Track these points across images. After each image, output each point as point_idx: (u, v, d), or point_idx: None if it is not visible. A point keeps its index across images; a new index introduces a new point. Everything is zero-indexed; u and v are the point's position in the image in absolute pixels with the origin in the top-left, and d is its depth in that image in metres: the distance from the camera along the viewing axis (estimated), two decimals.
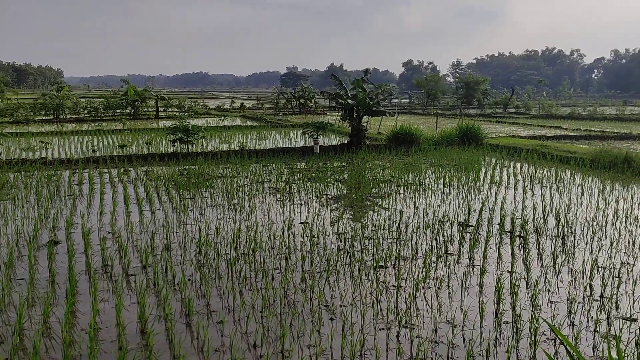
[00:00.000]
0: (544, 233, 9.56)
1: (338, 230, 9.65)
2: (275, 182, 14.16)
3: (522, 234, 9.33)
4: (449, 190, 13.20)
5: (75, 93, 72.73)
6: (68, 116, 39.70)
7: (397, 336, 5.80)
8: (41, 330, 5.83)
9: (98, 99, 52.86)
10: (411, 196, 12.62)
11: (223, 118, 37.20)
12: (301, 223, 10.14)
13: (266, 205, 11.67)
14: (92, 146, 21.61)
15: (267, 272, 7.58)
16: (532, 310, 6.41)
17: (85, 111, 40.84)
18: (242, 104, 53.55)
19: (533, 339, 5.62)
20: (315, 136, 20.17)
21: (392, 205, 11.68)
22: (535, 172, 15.50)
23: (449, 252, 8.54)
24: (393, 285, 7.16)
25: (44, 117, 38.62)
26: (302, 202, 12.02)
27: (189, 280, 7.34)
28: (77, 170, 15.92)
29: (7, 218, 10.48)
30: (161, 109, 42.74)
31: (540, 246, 8.83)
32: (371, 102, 20.64)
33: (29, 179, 14.48)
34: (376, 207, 11.68)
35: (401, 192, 13.09)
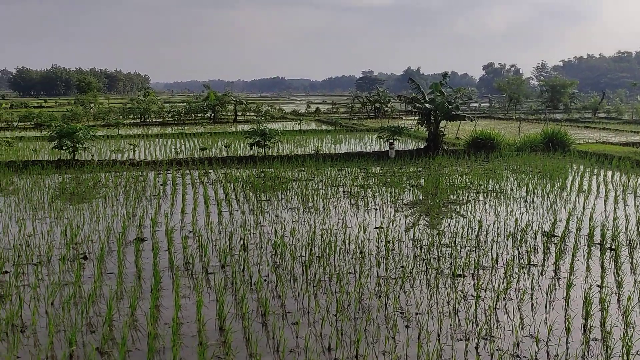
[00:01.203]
0: (638, 246, 8.93)
1: (414, 236, 9.49)
2: (350, 186, 14.17)
3: (613, 247, 8.75)
4: (533, 199, 12.63)
5: (160, 98, 76.51)
6: (153, 120, 41.76)
7: (476, 348, 5.60)
8: (129, 322, 6.13)
9: (181, 104, 55.22)
10: (491, 203, 12.20)
11: (298, 122, 37.74)
12: (376, 228, 10.07)
13: (341, 209, 11.68)
14: (175, 149, 22.58)
15: (342, 276, 7.56)
16: (624, 328, 5.99)
17: (169, 115, 42.77)
18: (317, 108, 54.13)
19: (625, 358, 5.25)
20: (390, 140, 20.00)
21: (470, 213, 11.34)
22: (629, 181, 14.53)
23: (532, 263, 8.16)
24: (472, 295, 6.93)
25: (132, 121, 40.80)
26: (377, 207, 11.94)
27: (265, 280, 7.47)
28: (161, 172, 16.68)
29: (99, 215, 11.14)
30: (239, 113, 44.00)
31: (634, 260, 8.24)
32: (450, 106, 20.19)
33: (118, 178, 15.32)
34: (454, 214, 11.39)
35: (480, 199, 12.69)
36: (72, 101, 67.04)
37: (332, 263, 8.16)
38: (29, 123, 37.23)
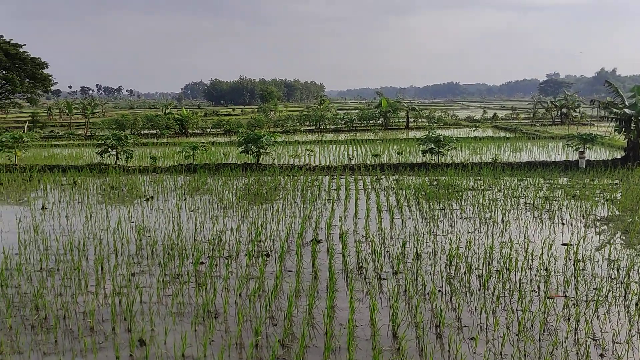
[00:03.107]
0: None
1: (609, 256, 8.49)
2: (532, 197, 13.19)
3: None
4: None
5: (334, 105, 79.56)
6: (327, 126, 43.51)
7: None
8: (306, 319, 6.39)
9: (353, 111, 56.79)
10: None
11: (474, 129, 36.41)
12: (563, 244, 9.22)
13: (522, 222, 10.93)
14: (348, 154, 23.23)
15: (524, 294, 7.05)
16: None
17: (342, 122, 44.20)
18: (494, 114, 51.72)
19: None
20: (581, 149, 18.24)
21: None
22: None
23: None
24: None
25: (308, 128, 43.02)
26: (564, 221, 10.93)
27: (439, 291, 7.26)
28: (335, 177, 17.25)
29: (279, 216, 11.86)
30: (411, 120, 43.84)
31: None
32: None
33: (296, 182, 16.20)
34: None
35: None
36: (256, 109, 72.90)
37: (513, 279, 7.65)
38: (219, 129, 41.31)
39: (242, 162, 19.90)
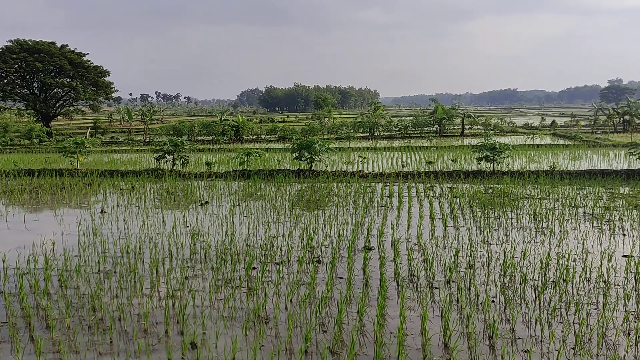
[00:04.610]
0: None
1: None
2: (591, 207, 12.69)
3: None
4: None
5: (388, 112, 79.21)
6: (381, 133, 43.36)
7: None
8: (357, 327, 6.39)
9: (408, 118, 56.32)
10: None
11: (531, 136, 35.42)
12: (624, 256, 8.84)
13: (580, 232, 10.54)
14: (401, 162, 23.05)
15: (581, 307, 6.80)
16: None
17: (396, 129, 43.94)
18: (553, 121, 50.14)
19: None
20: None
21: None
22: None
23: None
24: None
25: (361, 134, 43.00)
26: (626, 232, 10.47)
27: (492, 301, 7.10)
28: (388, 184, 17.16)
29: (331, 222, 11.91)
30: (467, 127, 43.06)
31: None
32: None
33: (348, 189, 16.21)
34: None
35: None
36: (310, 116, 73.51)
37: (570, 291, 7.40)
38: (273, 136, 41.94)
39: (296, 169, 20.11)
